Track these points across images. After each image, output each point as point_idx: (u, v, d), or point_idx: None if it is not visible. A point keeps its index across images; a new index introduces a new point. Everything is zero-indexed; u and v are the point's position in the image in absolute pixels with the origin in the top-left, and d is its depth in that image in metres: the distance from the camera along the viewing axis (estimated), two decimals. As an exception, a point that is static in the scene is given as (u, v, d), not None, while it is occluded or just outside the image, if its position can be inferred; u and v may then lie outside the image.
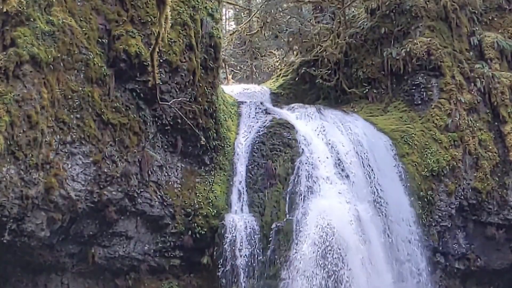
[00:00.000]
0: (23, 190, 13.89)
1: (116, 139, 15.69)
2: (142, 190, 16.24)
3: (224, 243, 16.59)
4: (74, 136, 14.83)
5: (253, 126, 19.48)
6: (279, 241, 16.59)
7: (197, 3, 17.43)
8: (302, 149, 18.58)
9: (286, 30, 26.80)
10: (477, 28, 22.35)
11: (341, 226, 16.48)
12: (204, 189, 17.42)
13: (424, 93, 21.03)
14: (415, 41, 21.56)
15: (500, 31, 22.42)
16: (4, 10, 13.73)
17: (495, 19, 22.75)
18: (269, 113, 20.14)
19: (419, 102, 21.04)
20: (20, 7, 13.96)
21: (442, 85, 20.95)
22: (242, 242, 16.59)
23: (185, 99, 16.80)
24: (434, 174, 19.51)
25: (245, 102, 21.22)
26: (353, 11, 25.51)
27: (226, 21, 40.99)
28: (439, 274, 19.56)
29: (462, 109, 20.67)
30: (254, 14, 32.68)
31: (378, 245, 17.08)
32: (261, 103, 21.42)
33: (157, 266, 17.13)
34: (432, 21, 22.06)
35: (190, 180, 17.40)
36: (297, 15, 28.30)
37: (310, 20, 26.99)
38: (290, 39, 26.23)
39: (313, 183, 17.72)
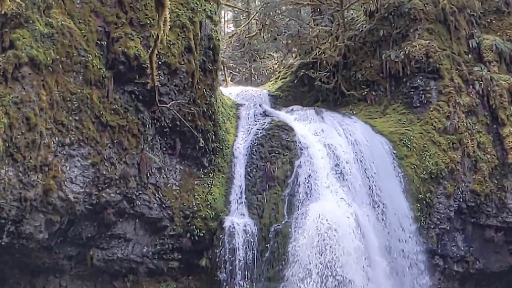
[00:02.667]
0: (22, 192, 13.88)
1: (115, 141, 15.69)
2: (140, 192, 16.23)
3: (222, 245, 16.58)
4: (72, 138, 14.82)
5: (251, 128, 19.48)
6: (278, 243, 16.59)
7: (196, 5, 17.44)
8: (301, 151, 18.59)
9: (285, 32, 26.83)
10: (476, 31, 22.38)
11: (340, 228, 16.47)
12: (203, 191, 17.42)
13: (423, 96, 21.05)
14: (414, 44, 21.59)
15: (498, 33, 22.45)
16: (3, 12, 13.72)
17: (494, 21, 22.78)
18: (268, 115, 20.15)
19: (418, 104, 21.06)
20: (19, 9, 13.96)
21: (441, 87, 20.98)
22: (240, 244, 16.59)
23: (184, 101, 16.81)
24: (432, 176, 19.51)
25: (243, 104, 21.23)
26: (352, 14, 25.54)
27: (225, 23, 41.02)
28: (438, 276, 19.56)
29: (461, 111, 20.68)
30: (253, 17, 32.71)
31: (376, 247, 17.07)
32: (260, 105, 21.42)
33: (156, 268, 17.11)
34: (431, 24, 22.09)
35: (188, 182, 17.39)
36: (296, 18, 28.33)
37: (309, 22, 27.00)
38: (289, 41, 26.26)
39: (311, 185, 17.72)
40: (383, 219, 17.95)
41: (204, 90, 17.62)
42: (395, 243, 17.89)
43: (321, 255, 16.10)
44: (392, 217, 18.12)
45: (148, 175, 16.44)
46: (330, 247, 16.14)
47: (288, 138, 18.91)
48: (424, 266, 18.35)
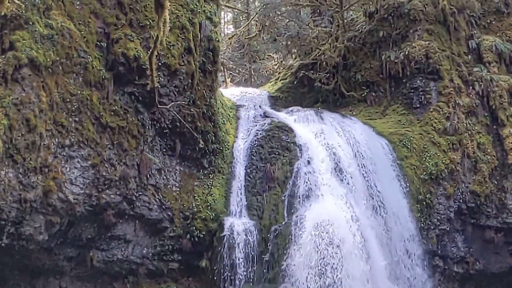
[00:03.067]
0: (22, 193, 13.87)
1: (115, 142, 15.68)
2: (140, 193, 16.22)
3: (222, 247, 16.57)
4: (72, 140, 14.82)
5: (251, 130, 19.48)
6: (278, 245, 16.58)
7: (195, 6, 17.45)
8: (301, 152, 18.59)
9: (285, 33, 26.82)
10: (476, 32, 22.38)
11: (340, 229, 16.43)
12: (203, 193, 17.42)
13: (423, 97, 21.06)
14: (414, 45, 21.60)
15: (498, 34, 22.46)
16: (3, 13, 13.71)
17: (493, 22, 22.79)
18: (268, 116, 20.16)
19: (418, 105, 21.06)
20: (19, 11, 13.96)
21: (441, 88, 20.98)
22: (240, 246, 16.58)
23: (183, 102, 16.82)
24: (432, 177, 19.51)
25: (243, 105, 21.24)
26: (351, 15, 25.55)
27: (224, 25, 41.03)
28: (438, 277, 19.55)
29: (461, 112, 20.68)
30: (253, 18, 32.69)
31: (376, 249, 17.04)
32: (260, 106, 21.43)
33: (156, 269, 17.11)
34: (431, 25, 22.10)
35: (188, 183, 17.39)
36: (296, 19, 28.35)
37: (309, 23, 27.02)
38: (289, 42, 26.26)
39: (311, 187, 17.70)
40: (382, 220, 17.92)
41: (204, 91, 17.62)
42: (394, 243, 17.86)
43: (320, 256, 16.05)
44: (391, 218, 18.09)
45: (148, 176, 16.44)
46: (329, 247, 16.11)
47: (288, 139, 18.90)
48: (424, 266, 18.33)
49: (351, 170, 18.43)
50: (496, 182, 20.24)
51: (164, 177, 16.88)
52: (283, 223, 17.04)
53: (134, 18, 16.18)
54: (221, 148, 18.30)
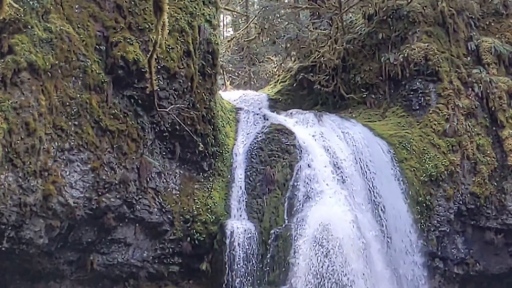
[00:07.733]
0: (21, 197, 13.88)
1: (114, 146, 15.69)
2: (140, 196, 16.23)
3: (223, 250, 16.58)
4: (72, 143, 14.82)
5: (251, 132, 19.48)
6: (278, 247, 16.58)
7: (194, 9, 17.45)
8: (301, 154, 18.58)
9: (284, 36, 26.82)
10: (475, 33, 22.37)
11: (340, 231, 16.43)
12: (203, 196, 17.42)
13: (422, 98, 21.04)
14: (413, 47, 21.59)
15: (497, 36, 22.45)
16: (1, 17, 13.73)
17: (492, 24, 22.79)
18: (267, 119, 20.15)
19: (417, 107, 21.05)
20: (17, 15, 13.97)
21: (440, 90, 20.97)
22: (241, 248, 16.58)
23: (183, 105, 16.82)
24: (432, 179, 19.50)
25: (243, 108, 21.23)
26: (350, 17, 25.53)
27: (223, 27, 41.04)
28: (438, 279, 19.55)
29: (460, 114, 20.68)
30: (252, 20, 32.74)
31: (377, 251, 17.05)
32: (259, 109, 21.43)
33: (156, 272, 17.10)
34: (430, 27, 22.11)
35: (188, 186, 17.39)
36: (295, 21, 28.36)
37: (308, 26, 27.01)
38: (288, 45, 26.24)
39: (311, 189, 17.71)
40: (382, 222, 17.92)
41: (204, 94, 17.63)
42: (394, 245, 17.84)
43: (321, 258, 16.04)
44: (391, 220, 18.08)
45: (148, 179, 16.44)
46: (330, 250, 16.10)
47: (287, 141, 18.90)
48: (424, 268, 18.34)
49: (351, 172, 18.44)
50: (495, 184, 20.23)
51: (164, 180, 16.88)
52: (284, 225, 17.04)
53: (133, 21, 16.19)
54: (221, 151, 18.30)
